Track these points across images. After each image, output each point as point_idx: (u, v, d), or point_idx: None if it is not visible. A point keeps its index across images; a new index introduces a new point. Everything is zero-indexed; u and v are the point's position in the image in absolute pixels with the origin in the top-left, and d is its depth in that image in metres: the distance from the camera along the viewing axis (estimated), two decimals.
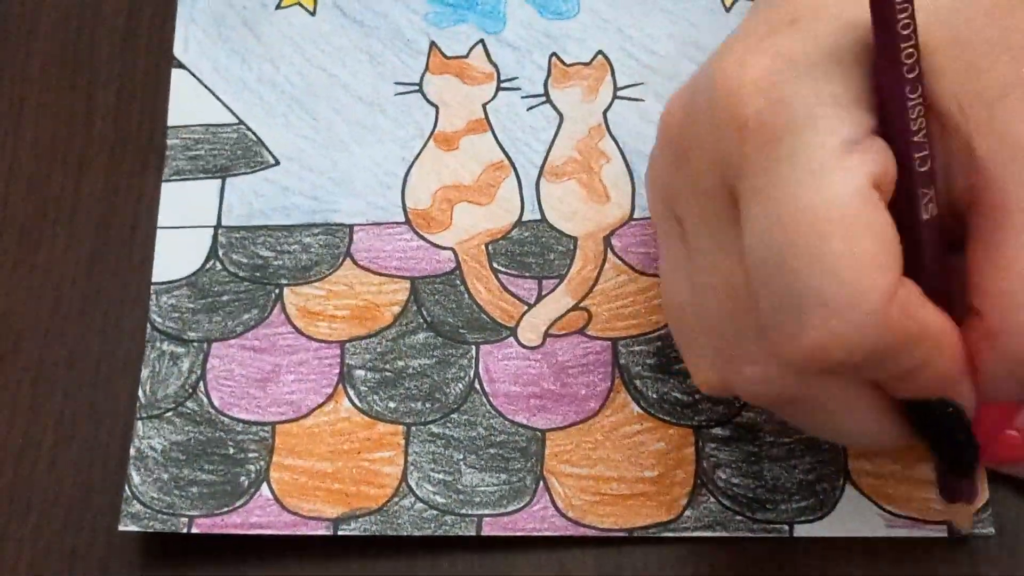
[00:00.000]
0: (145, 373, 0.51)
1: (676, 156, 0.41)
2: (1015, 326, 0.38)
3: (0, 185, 0.55)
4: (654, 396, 0.50)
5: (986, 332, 0.38)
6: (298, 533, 0.48)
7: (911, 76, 0.37)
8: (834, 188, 0.36)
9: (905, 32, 0.37)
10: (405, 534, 0.48)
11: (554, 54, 0.56)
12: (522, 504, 0.48)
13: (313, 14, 0.57)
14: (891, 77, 0.38)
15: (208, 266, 0.53)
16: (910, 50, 0.37)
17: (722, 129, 0.39)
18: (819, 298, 0.36)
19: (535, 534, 0.48)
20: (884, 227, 0.37)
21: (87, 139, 0.56)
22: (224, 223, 0.53)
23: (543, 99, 0.55)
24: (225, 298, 0.52)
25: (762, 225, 0.38)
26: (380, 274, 0.52)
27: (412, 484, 0.49)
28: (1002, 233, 0.38)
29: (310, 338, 0.51)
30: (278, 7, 0.57)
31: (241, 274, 0.53)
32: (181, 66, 0.56)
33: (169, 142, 0.55)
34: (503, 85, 0.55)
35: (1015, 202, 0.38)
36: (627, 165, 0.54)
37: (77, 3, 0.59)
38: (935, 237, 0.39)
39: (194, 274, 0.53)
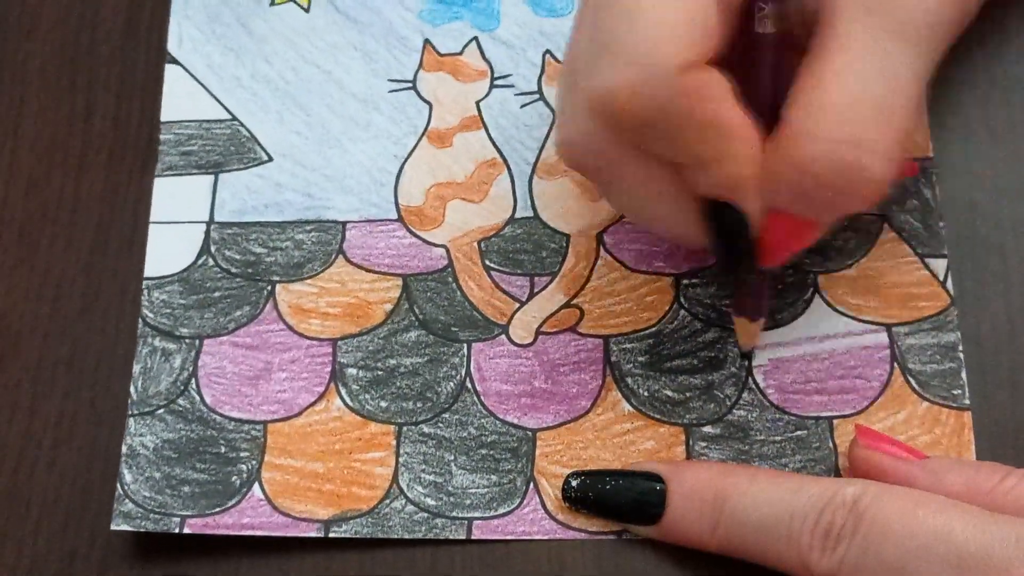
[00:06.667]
0: (137, 369, 0.51)
1: None
2: (806, 131, 0.40)
3: (0, 185, 0.55)
4: (645, 394, 0.50)
5: (781, 136, 0.41)
6: (289, 534, 0.48)
7: None
8: None
9: None
10: (395, 537, 0.48)
11: (548, 51, 0.56)
12: (512, 506, 0.48)
13: (307, 11, 0.57)
14: None
15: (200, 262, 0.53)
16: None
17: None
18: (618, 46, 0.40)
19: (525, 538, 0.48)
20: (703, 11, 0.40)
21: (87, 139, 0.56)
22: (217, 219, 0.54)
23: (537, 97, 0.55)
24: (217, 294, 0.52)
25: None
26: (372, 271, 0.52)
27: (403, 486, 0.49)
28: (827, 50, 0.41)
29: (302, 336, 0.52)
30: (272, 3, 0.57)
31: (233, 270, 0.53)
32: (175, 62, 0.56)
33: (162, 137, 0.55)
34: (497, 82, 0.55)
35: (845, 18, 0.41)
36: None
37: (77, 3, 0.59)
38: (769, 52, 0.42)
39: (186, 270, 0.53)
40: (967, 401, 0.49)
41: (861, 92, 0.40)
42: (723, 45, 0.41)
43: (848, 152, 0.40)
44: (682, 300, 0.51)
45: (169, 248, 0.53)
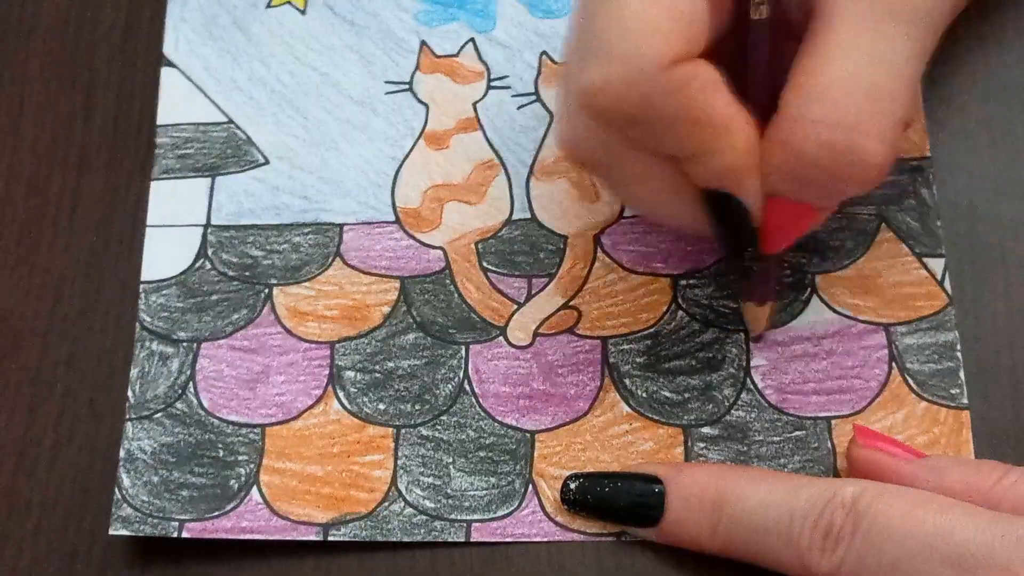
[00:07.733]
0: (134, 373, 0.51)
1: None
2: (800, 115, 0.41)
3: (0, 185, 0.55)
4: (643, 395, 0.50)
5: (778, 124, 0.41)
6: (288, 538, 0.48)
7: None
8: None
9: None
10: (395, 539, 0.48)
11: (544, 52, 0.56)
12: (511, 508, 0.48)
13: (303, 13, 0.57)
14: None
15: (197, 265, 0.53)
16: None
17: None
18: (604, 43, 0.40)
19: (524, 540, 0.48)
20: (690, 4, 0.40)
21: (87, 139, 0.56)
22: (214, 222, 0.53)
23: (533, 98, 0.55)
24: (215, 298, 0.52)
25: None
26: (370, 274, 0.52)
27: (402, 488, 0.49)
28: (821, 34, 0.41)
29: (300, 339, 0.51)
30: (268, 6, 0.57)
31: (230, 273, 0.53)
32: (171, 65, 0.56)
33: (158, 140, 0.55)
34: (493, 84, 0.55)
35: (839, 2, 0.41)
36: None
37: (77, 3, 0.59)
38: (763, 39, 0.42)
39: (183, 273, 0.53)
40: (965, 400, 0.49)
41: (854, 75, 0.41)
42: (715, 34, 0.41)
43: (842, 135, 0.40)
44: (680, 301, 0.51)
45: (166, 252, 0.53)
